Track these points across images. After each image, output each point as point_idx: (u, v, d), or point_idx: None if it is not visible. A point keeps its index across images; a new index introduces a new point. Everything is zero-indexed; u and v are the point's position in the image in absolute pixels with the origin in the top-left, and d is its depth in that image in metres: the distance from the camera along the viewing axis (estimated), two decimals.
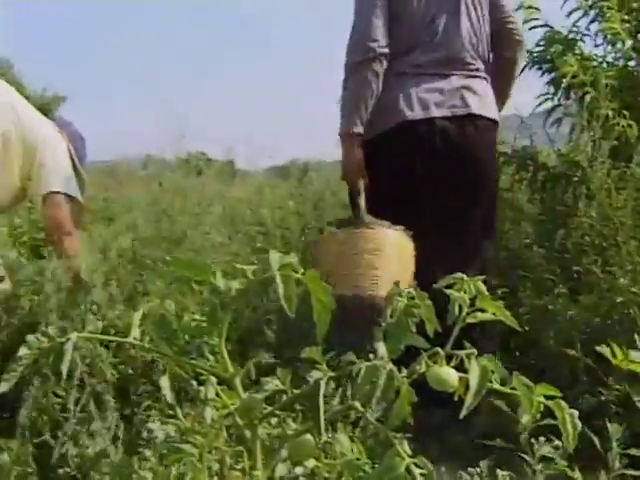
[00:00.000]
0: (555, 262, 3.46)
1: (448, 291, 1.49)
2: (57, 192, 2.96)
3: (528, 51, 3.82)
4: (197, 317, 1.31)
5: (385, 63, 2.76)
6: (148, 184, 5.67)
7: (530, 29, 3.86)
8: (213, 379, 1.43)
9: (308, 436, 1.46)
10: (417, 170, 2.74)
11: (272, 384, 1.42)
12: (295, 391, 1.40)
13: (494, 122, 2.93)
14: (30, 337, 1.30)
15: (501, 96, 3.07)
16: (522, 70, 3.42)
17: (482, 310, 1.49)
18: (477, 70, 2.89)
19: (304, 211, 4.73)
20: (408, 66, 2.80)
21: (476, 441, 2.46)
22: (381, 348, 1.40)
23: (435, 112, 2.75)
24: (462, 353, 1.39)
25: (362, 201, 2.72)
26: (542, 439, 1.83)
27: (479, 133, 2.83)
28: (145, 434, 2.11)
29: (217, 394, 1.46)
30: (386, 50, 2.75)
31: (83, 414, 2.25)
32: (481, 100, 2.86)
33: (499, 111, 3.04)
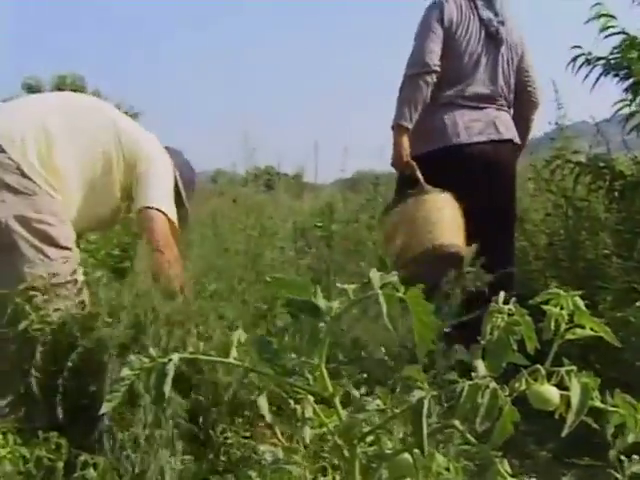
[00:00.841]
0: (635, 272, 3.39)
1: (545, 307, 1.48)
2: (151, 207, 2.97)
3: (604, 58, 3.77)
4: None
5: (435, 77, 3.41)
6: (218, 198, 5.90)
7: (606, 37, 3.79)
8: (310, 398, 1.43)
9: (406, 455, 1.44)
10: (462, 182, 3.28)
11: (373, 404, 1.40)
12: (395, 410, 1.38)
13: (515, 144, 3.67)
14: (132, 357, 1.30)
15: (522, 138, 3.79)
16: (597, 79, 3.87)
17: (580, 326, 1.47)
18: (505, 106, 3.65)
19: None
20: (453, 97, 3.49)
21: (559, 456, 2.42)
22: (480, 366, 1.38)
23: (475, 138, 3.46)
24: (562, 370, 1.36)
25: (419, 175, 3.33)
26: (635, 457, 1.78)
27: (508, 152, 3.61)
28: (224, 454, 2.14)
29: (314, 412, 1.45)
30: (437, 68, 3.40)
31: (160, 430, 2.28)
32: (508, 128, 3.62)
33: (522, 147, 3.85)
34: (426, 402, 1.27)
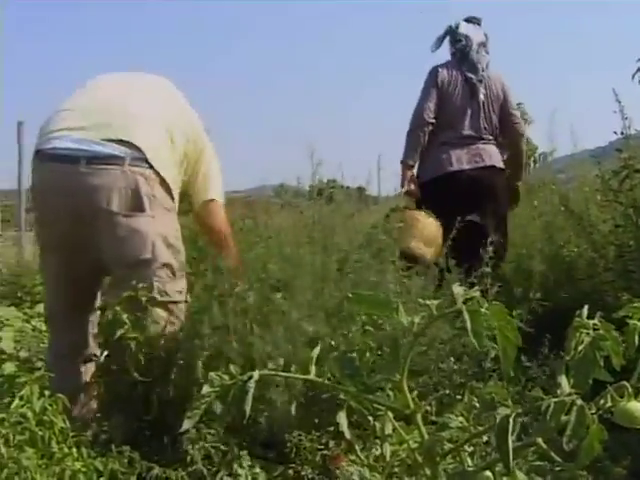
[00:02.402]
0: None
1: (630, 321, 1.44)
2: (215, 200, 2.98)
3: None
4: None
5: (430, 127, 4.57)
6: (282, 212, 5.94)
7: None
8: (390, 415, 1.41)
9: (488, 473, 1.41)
10: (455, 198, 4.34)
11: (456, 421, 1.38)
12: (479, 427, 1.36)
13: (500, 169, 4.68)
14: (212, 375, 1.30)
15: (517, 165, 4.91)
16: None
17: None
18: (489, 140, 4.70)
19: None
20: (448, 138, 4.59)
21: (635, 472, 2.36)
22: (564, 382, 1.35)
23: (465, 166, 4.55)
24: None
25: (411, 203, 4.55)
26: None
27: (491, 175, 4.62)
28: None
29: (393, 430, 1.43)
30: (432, 120, 4.56)
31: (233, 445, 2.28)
32: (491, 157, 4.65)
33: (519, 173, 4.95)
34: (511, 419, 1.24)
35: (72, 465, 2.00)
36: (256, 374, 1.29)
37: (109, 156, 2.61)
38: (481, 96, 4.69)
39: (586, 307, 1.41)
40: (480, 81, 4.73)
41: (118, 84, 2.95)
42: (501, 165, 4.71)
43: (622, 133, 4.41)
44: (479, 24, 4.90)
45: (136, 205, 2.61)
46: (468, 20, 4.89)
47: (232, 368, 1.29)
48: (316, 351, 1.35)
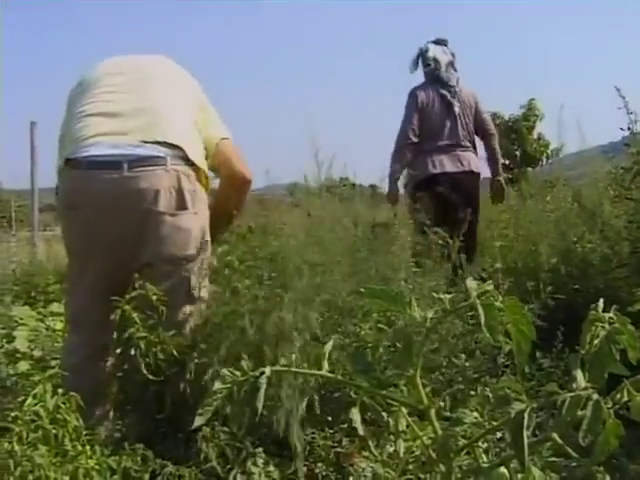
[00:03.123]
0: None
1: None
2: (229, 139, 3.00)
3: None
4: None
5: (413, 146, 5.39)
6: (294, 211, 6.04)
7: None
8: (404, 410, 1.40)
9: (503, 469, 1.40)
10: (439, 196, 5.08)
11: (470, 417, 1.36)
12: (494, 423, 1.34)
13: (475, 173, 5.50)
14: (224, 371, 1.29)
15: (494, 161, 5.76)
16: None
17: None
18: (467, 147, 5.51)
19: None
20: (430, 147, 5.39)
21: None
22: (580, 376, 1.33)
23: (447, 169, 5.35)
24: None
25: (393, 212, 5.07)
26: None
27: (468, 178, 5.42)
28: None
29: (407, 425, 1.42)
30: (415, 140, 5.39)
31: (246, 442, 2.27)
32: (469, 162, 5.45)
33: (497, 168, 5.80)
34: (526, 415, 1.23)
35: (85, 463, 2.00)
36: (268, 370, 1.28)
37: (151, 157, 2.64)
38: (456, 109, 5.52)
39: (601, 300, 1.39)
40: (453, 97, 5.56)
41: (136, 81, 2.93)
42: (477, 169, 5.57)
43: (629, 129, 4.39)
44: (446, 45, 5.67)
45: (180, 203, 2.64)
46: (436, 42, 5.67)
47: (244, 364, 1.28)
48: (328, 346, 1.34)
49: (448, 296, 1.25)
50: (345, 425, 2.28)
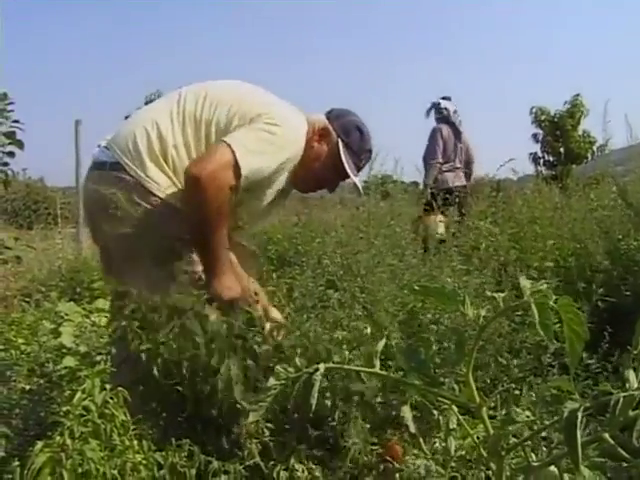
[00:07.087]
0: None
1: None
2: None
3: None
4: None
5: (440, 165, 7.35)
6: (339, 207, 6.37)
7: None
8: (455, 408, 1.39)
9: (553, 468, 1.39)
10: (451, 198, 6.44)
11: (523, 415, 1.36)
12: (545, 422, 1.33)
13: (467, 185, 7.55)
14: (278, 367, 1.30)
15: (469, 177, 7.86)
16: None
17: None
18: (463, 169, 7.63)
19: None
20: (448, 167, 7.43)
21: None
22: (631, 376, 1.32)
23: (457, 183, 7.39)
24: None
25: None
26: None
27: (465, 188, 7.33)
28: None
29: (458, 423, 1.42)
30: (441, 160, 7.37)
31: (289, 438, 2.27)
32: (464, 178, 7.61)
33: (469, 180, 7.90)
34: (579, 414, 1.22)
35: (133, 457, 2.02)
36: (322, 366, 1.28)
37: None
38: (461, 145, 7.68)
39: None
40: (460, 134, 7.72)
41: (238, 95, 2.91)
42: (465, 183, 7.72)
43: None
44: (450, 99, 7.82)
45: None
46: (444, 98, 7.82)
47: (297, 361, 1.28)
48: (381, 345, 1.34)
49: (501, 295, 1.24)
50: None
